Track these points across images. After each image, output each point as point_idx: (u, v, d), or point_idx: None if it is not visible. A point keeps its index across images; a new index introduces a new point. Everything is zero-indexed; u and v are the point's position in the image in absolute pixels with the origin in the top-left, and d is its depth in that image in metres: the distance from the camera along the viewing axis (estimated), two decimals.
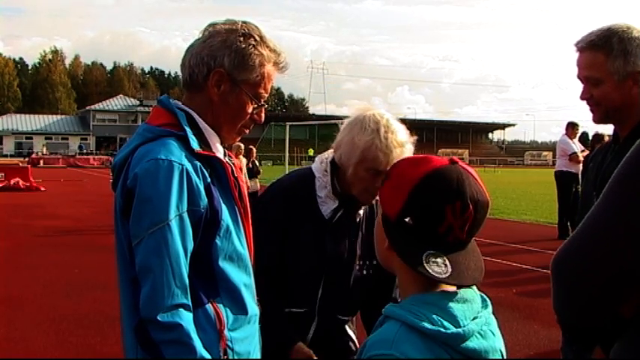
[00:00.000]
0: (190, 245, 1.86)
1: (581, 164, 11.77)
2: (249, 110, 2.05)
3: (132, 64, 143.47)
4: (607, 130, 2.73)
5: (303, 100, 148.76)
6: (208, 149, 1.98)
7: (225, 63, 1.97)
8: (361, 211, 2.60)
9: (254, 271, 2.23)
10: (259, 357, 2.13)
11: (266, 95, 2.08)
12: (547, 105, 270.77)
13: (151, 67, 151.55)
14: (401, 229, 1.41)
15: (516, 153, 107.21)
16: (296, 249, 2.52)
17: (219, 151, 2.05)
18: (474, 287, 1.50)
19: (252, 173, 14.05)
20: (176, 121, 1.97)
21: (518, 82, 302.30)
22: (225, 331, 1.94)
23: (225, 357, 1.93)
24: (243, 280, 2.03)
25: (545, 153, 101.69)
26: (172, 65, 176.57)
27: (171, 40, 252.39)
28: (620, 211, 1.34)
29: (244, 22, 2.05)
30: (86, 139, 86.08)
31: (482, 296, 1.52)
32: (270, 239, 2.49)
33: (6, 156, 67.01)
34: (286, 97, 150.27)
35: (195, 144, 1.93)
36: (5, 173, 25.74)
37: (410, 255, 1.39)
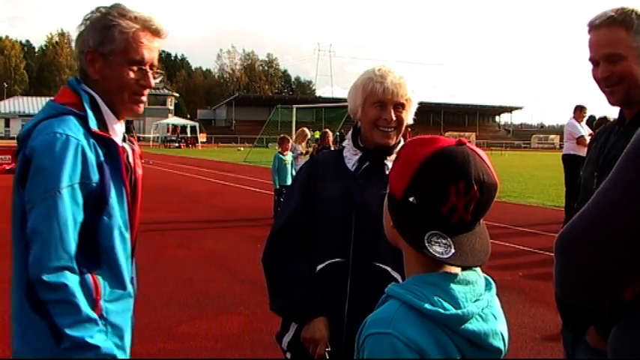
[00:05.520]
0: (80, 216, 2.00)
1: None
2: (131, 76, 2.18)
3: None
4: (614, 113, 2.67)
5: (310, 82, 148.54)
6: (105, 131, 2.14)
7: (91, 42, 2.15)
8: (390, 163, 2.64)
9: (270, 233, 2.67)
10: (131, 334, 2.28)
11: (146, 59, 2.20)
12: (555, 88, 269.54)
13: None
14: (405, 208, 1.42)
15: (523, 136, 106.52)
16: (325, 201, 2.63)
17: (117, 134, 2.20)
18: (478, 269, 1.50)
19: None
20: (79, 101, 2.13)
21: (525, 64, 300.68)
22: (101, 301, 2.07)
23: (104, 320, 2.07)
24: (124, 259, 2.18)
25: (552, 136, 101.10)
26: (178, 48, 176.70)
27: (176, 22, 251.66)
28: (630, 189, 1.32)
29: (107, 6, 2.20)
30: None
31: (486, 278, 1.52)
32: (294, 197, 2.71)
33: (13, 138, 67.09)
34: (293, 79, 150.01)
35: (93, 124, 2.09)
36: (12, 156, 25.76)
37: (413, 234, 1.39)
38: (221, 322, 6.19)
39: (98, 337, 1.96)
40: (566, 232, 1.40)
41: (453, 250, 1.37)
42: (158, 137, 68.60)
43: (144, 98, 2.27)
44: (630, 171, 1.35)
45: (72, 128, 2.02)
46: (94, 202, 2.04)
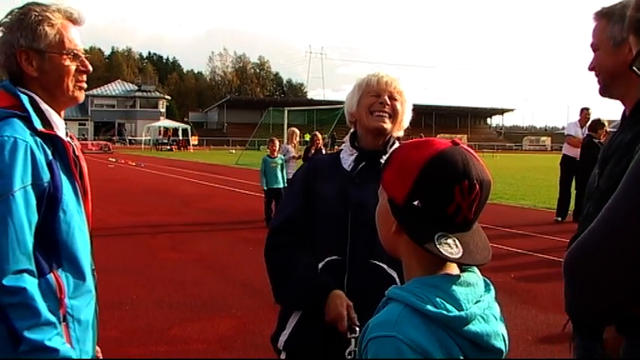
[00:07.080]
0: (34, 217, 2.02)
1: (578, 148, 11.86)
2: (71, 65, 2.23)
3: (130, 49, 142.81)
4: (609, 115, 2.67)
5: (302, 85, 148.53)
6: (50, 128, 2.15)
7: (23, 42, 2.15)
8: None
9: (270, 230, 2.74)
10: (97, 325, 2.31)
11: (77, 46, 2.25)
12: (546, 90, 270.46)
13: (149, 52, 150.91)
14: (410, 212, 1.42)
15: (515, 138, 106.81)
16: (322, 201, 2.69)
17: (60, 130, 2.22)
18: (477, 271, 1.51)
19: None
20: (19, 103, 2.12)
21: (516, 66, 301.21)
22: (66, 299, 2.10)
23: (65, 323, 2.09)
24: (84, 252, 2.21)
25: (543, 138, 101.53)
26: (170, 50, 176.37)
27: (168, 24, 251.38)
28: (636, 208, 1.29)
29: (21, 6, 2.21)
30: (84, 124, 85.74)
31: (485, 280, 1.53)
32: (294, 196, 2.78)
33: None
34: (285, 82, 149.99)
35: (37, 123, 2.10)
36: None
37: (423, 238, 1.39)
38: (213, 324, 6.17)
39: (56, 340, 1.98)
40: (575, 250, 1.38)
41: (461, 250, 1.38)
42: (150, 140, 68.55)
43: (85, 84, 2.31)
44: (636, 190, 1.33)
45: (18, 130, 2.04)
46: (48, 201, 2.06)
